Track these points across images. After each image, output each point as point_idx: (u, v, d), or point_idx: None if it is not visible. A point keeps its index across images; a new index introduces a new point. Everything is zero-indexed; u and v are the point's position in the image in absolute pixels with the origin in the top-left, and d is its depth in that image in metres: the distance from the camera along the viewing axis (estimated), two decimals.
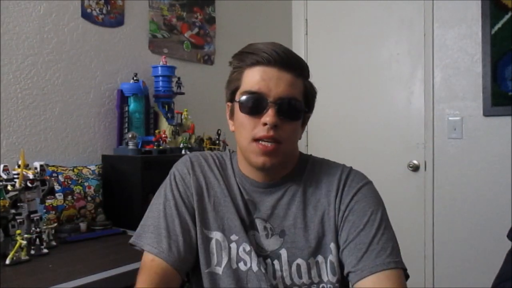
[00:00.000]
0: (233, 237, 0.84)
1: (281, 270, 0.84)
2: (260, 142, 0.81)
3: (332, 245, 0.85)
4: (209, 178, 0.91)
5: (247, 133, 0.82)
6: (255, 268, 0.82)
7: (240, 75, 0.85)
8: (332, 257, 0.84)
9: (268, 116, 0.79)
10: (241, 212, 0.87)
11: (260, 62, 0.81)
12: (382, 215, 0.84)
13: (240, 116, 0.84)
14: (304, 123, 0.91)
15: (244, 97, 0.82)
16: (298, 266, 0.84)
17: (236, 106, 0.85)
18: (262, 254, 0.85)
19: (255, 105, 0.81)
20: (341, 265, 0.84)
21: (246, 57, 0.84)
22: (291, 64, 0.82)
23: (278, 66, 0.81)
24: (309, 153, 0.99)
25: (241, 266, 0.83)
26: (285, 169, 0.90)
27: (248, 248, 0.83)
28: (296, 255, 0.85)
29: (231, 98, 0.88)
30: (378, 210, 0.85)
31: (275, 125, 0.80)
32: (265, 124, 0.80)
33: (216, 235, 0.85)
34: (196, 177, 0.90)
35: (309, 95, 0.88)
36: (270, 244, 0.86)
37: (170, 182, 0.90)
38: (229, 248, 0.83)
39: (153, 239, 0.84)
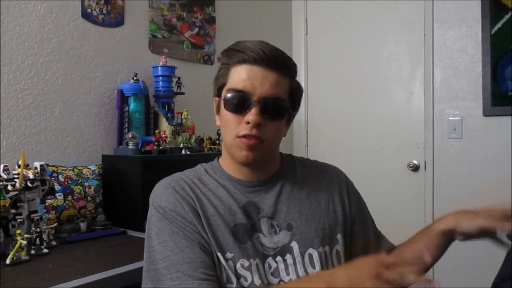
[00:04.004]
0: (228, 255, 0.81)
1: (294, 263, 0.84)
2: (244, 137, 0.83)
3: (339, 236, 0.91)
4: (198, 196, 0.86)
5: (231, 130, 0.84)
6: (257, 281, 0.81)
7: (227, 72, 0.86)
8: (338, 247, 0.90)
9: (252, 115, 0.81)
10: (238, 221, 0.85)
11: (247, 60, 0.83)
12: None
13: (225, 113, 0.85)
14: (289, 121, 0.93)
15: (229, 95, 0.84)
16: (310, 255, 0.85)
17: (222, 102, 0.86)
18: (270, 253, 0.85)
19: (240, 103, 0.83)
20: (346, 254, 0.91)
21: (233, 54, 0.85)
22: (278, 63, 0.84)
23: (265, 65, 0.82)
24: (309, 153, 1.01)
25: (242, 282, 0.80)
26: (273, 165, 0.93)
27: (246, 263, 0.81)
28: (307, 245, 0.86)
29: (218, 94, 0.89)
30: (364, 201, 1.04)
31: (258, 124, 0.81)
32: (248, 122, 0.82)
33: (219, 255, 0.82)
34: (185, 200, 0.84)
35: (294, 94, 0.89)
36: (280, 239, 0.86)
37: (164, 217, 0.82)
38: (228, 266, 0.80)
39: (181, 279, 0.76)
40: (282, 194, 0.90)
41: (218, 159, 0.95)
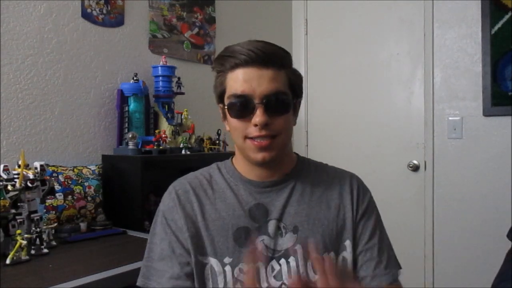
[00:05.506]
0: (226, 260, 0.82)
1: (297, 266, 0.84)
2: (255, 139, 0.83)
3: (348, 243, 0.89)
4: (201, 201, 0.88)
5: (239, 133, 0.85)
6: None
7: (223, 79, 0.87)
8: (346, 254, 0.88)
9: (258, 117, 0.81)
10: (241, 224, 0.85)
11: (239, 64, 0.83)
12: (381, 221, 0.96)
13: (231, 119, 0.86)
14: (296, 111, 0.93)
15: (230, 102, 0.84)
16: None
17: (226, 110, 0.87)
18: (275, 256, 0.85)
19: (243, 108, 0.83)
20: (354, 261, 0.89)
21: (225, 60, 0.85)
22: (270, 59, 0.83)
23: (258, 64, 0.82)
24: (309, 153, 1.00)
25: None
26: (286, 165, 0.93)
27: (246, 268, 0.82)
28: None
29: (221, 101, 0.90)
30: (380, 218, 0.96)
31: (265, 124, 0.81)
32: (256, 125, 0.81)
33: (211, 261, 0.83)
34: (182, 206, 0.87)
35: (295, 83, 0.88)
36: (284, 242, 0.86)
37: (160, 220, 0.88)
38: (224, 272, 0.81)
39: (158, 282, 0.84)
40: (292, 196, 0.90)
41: (232, 158, 0.96)
